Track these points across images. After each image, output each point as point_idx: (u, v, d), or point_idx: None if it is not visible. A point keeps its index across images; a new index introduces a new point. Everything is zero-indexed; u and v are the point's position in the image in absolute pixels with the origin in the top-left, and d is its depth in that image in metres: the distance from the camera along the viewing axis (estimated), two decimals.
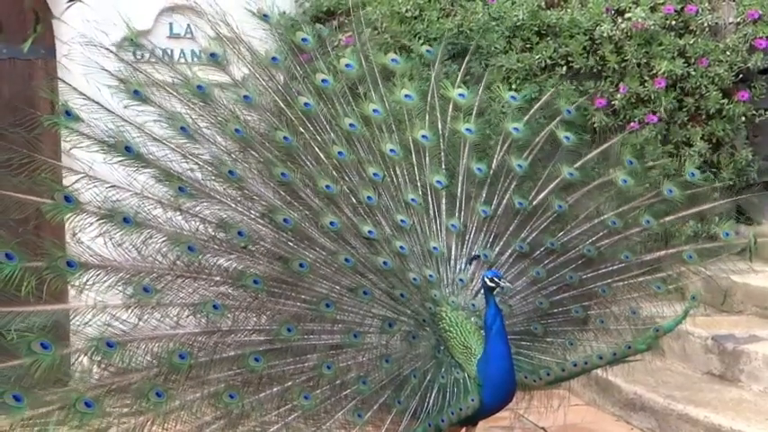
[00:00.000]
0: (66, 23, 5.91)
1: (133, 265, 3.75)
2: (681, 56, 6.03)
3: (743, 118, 6.09)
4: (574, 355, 4.26)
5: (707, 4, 6.32)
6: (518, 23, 6.09)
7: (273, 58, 4.36)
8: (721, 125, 6.04)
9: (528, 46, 6.11)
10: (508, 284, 3.88)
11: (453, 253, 4.24)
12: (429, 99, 4.45)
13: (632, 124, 5.97)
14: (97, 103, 3.96)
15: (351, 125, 4.24)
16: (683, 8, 6.22)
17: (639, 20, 6.04)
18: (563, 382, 4.40)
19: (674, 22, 6.18)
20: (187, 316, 3.79)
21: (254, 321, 3.91)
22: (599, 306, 4.41)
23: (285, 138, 4.14)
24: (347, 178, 4.18)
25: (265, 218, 4.03)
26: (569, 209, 4.39)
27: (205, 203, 3.98)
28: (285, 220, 3.98)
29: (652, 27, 6.08)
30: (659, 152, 5.92)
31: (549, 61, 6.08)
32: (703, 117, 6.09)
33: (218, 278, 3.88)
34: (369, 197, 4.14)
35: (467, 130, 4.40)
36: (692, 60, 6.05)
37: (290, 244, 4.00)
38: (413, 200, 4.20)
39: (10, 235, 3.57)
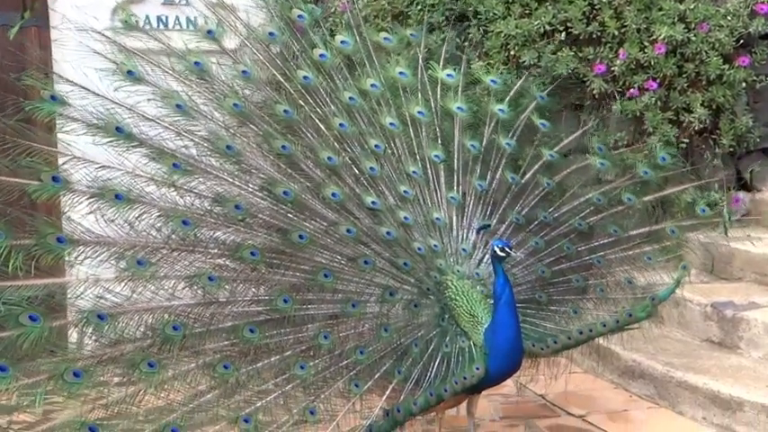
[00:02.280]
0: None
1: (126, 239, 3.78)
2: (681, 21, 5.98)
3: (743, 84, 6.05)
4: (578, 323, 4.32)
5: None
6: None
7: (271, 33, 4.41)
8: (721, 91, 5.99)
9: (527, 12, 6.08)
10: (519, 254, 3.95)
11: (455, 224, 4.30)
12: (420, 77, 4.54)
13: (632, 91, 5.95)
14: (86, 89, 3.96)
15: (350, 98, 4.32)
16: None
17: None
18: (567, 350, 4.47)
19: None
20: (183, 288, 3.82)
21: (253, 292, 3.93)
22: (596, 276, 4.49)
23: (285, 111, 4.20)
24: (349, 149, 4.23)
25: (264, 191, 4.06)
26: (557, 186, 4.52)
27: (200, 179, 4.01)
28: (285, 192, 4.02)
29: None
30: (659, 118, 5.93)
31: (547, 27, 6.04)
32: (703, 83, 6.04)
33: (215, 251, 3.91)
34: (371, 168, 4.20)
35: (458, 108, 4.51)
36: (693, 26, 5.99)
37: (290, 216, 4.03)
38: (414, 172, 4.27)
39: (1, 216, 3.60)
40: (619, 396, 5.18)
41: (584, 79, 6.04)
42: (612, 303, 4.48)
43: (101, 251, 3.75)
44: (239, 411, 3.71)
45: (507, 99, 4.67)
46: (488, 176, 4.42)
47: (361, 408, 3.87)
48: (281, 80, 4.33)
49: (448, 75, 4.62)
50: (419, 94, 4.50)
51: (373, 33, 4.67)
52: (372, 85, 4.40)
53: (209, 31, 4.37)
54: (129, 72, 4.09)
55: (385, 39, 4.64)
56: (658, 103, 5.95)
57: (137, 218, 3.84)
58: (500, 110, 4.59)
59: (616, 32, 5.98)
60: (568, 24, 6.05)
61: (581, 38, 6.08)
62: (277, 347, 3.88)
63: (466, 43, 6.10)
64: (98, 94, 3.97)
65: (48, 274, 3.63)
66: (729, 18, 6.07)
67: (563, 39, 6.05)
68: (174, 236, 3.87)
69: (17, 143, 3.68)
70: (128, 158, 3.92)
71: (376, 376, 3.90)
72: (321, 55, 4.39)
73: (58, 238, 3.67)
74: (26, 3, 5.63)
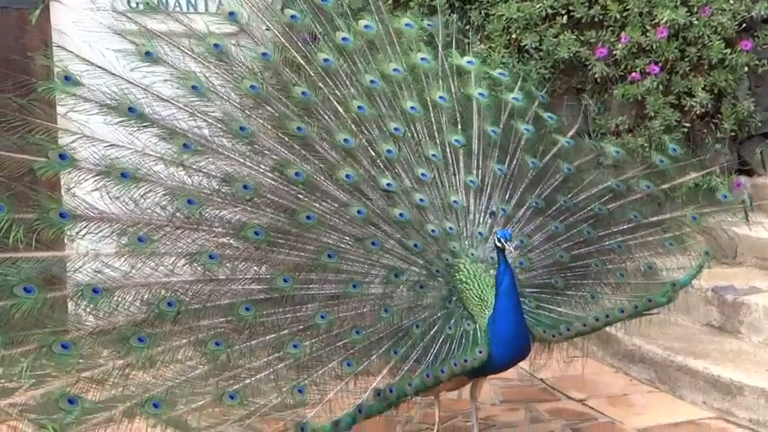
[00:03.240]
0: None
1: (130, 217, 3.81)
2: (683, 5, 5.99)
3: (745, 68, 6.06)
4: (595, 308, 4.30)
5: None
6: None
7: (293, 16, 4.40)
8: (723, 75, 6.00)
9: None
10: (514, 250, 3.92)
11: (472, 207, 4.31)
12: (441, 63, 4.55)
13: (633, 75, 5.94)
14: (101, 67, 3.96)
15: (372, 81, 4.33)
16: None
17: None
18: (581, 337, 4.43)
19: None
20: (183, 265, 3.84)
21: (254, 271, 3.95)
22: (616, 261, 4.47)
23: (303, 93, 4.21)
24: (366, 132, 4.25)
25: (275, 172, 4.08)
26: (577, 172, 4.52)
27: (210, 159, 4.03)
28: (297, 173, 4.04)
29: None
30: (660, 103, 5.92)
31: (549, 10, 6.04)
32: (705, 67, 6.05)
33: (219, 229, 3.93)
34: (389, 150, 4.21)
35: (480, 94, 4.51)
36: (695, 9, 6.01)
37: (300, 197, 4.05)
38: (433, 155, 4.29)
39: (3, 190, 3.63)
40: (619, 380, 5.20)
41: (586, 63, 6.03)
42: (631, 289, 4.45)
43: (103, 227, 3.78)
44: (226, 388, 3.72)
45: (516, 88, 4.69)
46: (507, 161, 4.42)
47: (356, 388, 3.85)
48: (302, 62, 4.32)
49: (468, 61, 4.64)
50: (440, 80, 4.50)
51: (395, 20, 4.65)
52: (395, 70, 4.41)
53: (231, 14, 4.37)
54: (148, 53, 4.09)
55: (406, 24, 4.63)
56: (660, 87, 5.95)
57: (142, 196, 3.86)
58: (514, 98, 4.60)
59: (618, 16, 5.98)
60: (570, 7, 6.04)
61: (583, 21, 6.08)
62: (273, 326, 3.90)
63: (468, 26, 6.09)
64: (114, 74, 3.98)
65: (48, 247, 3.67)
66: (732, 2, 6.11)
67: (564, 22, 6.05)
68: (178, 214, 3.88)
69: (26, 121, 3.69)
70: (138, 138, 3.93)
71: (372, 357, 3.90)
72: (344, 38, 4.40)
73: (60, 213, 3.69)
74: None
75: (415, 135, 4.34)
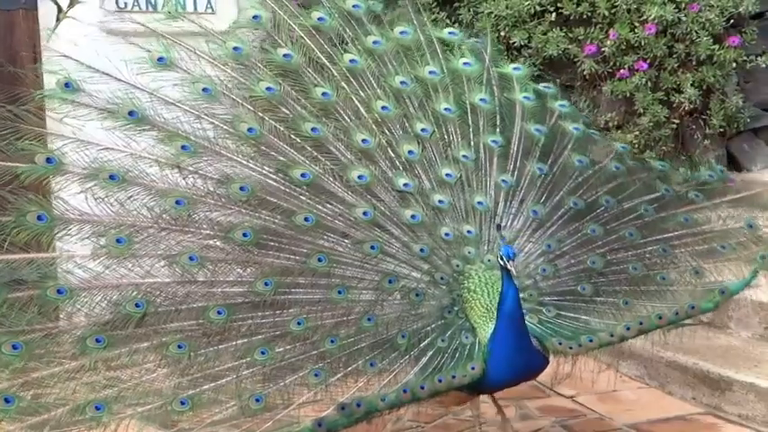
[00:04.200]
0: None
1: (114, 218, 3.80)
2: (671, 1, 5.98)
3: (733, 64, 6.05)
4: (627, 316, 4.12)
5: None
6: None
7: (320, 18, 4.41)
8: (712, 71, 5.99)
9: None
10: (514, 270, 3.74)
11: (501, 210, 4.24)
12: (485, 68, 4.55)
13: (622, 71, 5.96)
14: (107, 74, 3.98)
15: (402, 82, 4.31)
16: None
17: None
18: (608, 348, 4.28)
19: None
20: (162, 266, 3.82)
21: (238, 273, 3.93)
22: (657, 267, 4.32)
23: (324, 93, 4.21)
24: (388, 132, 4.22)
25: (279, 173, 4.05)
26: (626, 171, 4.44)
27: (209, 160, 4.01)
28: (303, 174, 4.01)
29: None
30: (649, 99, 5.94)
31: (538, 8, 6.06)
32: (693, 63, 6.05)
33: (207, 231, 3.90)
34: (410, 151, 4.17)
35: (525, 98, 4.50)
36: (683, 5, 5.99)
37: (303, 198, 4.01)
38: (464, 156, 4.24)
39: None
40: (608, 376, 5.18)
41: (575, 60, 6.05)
42: (672, 295, 4.27)
43: (84, 228, 3.79)
44: (179, 393, 3.70)
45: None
46: (550, 160, 4.36)
47: (326, 398, 3.80)
48: (326, 62, 4.31)
49: (515, 68, 4.63)
50: (483, 84, 4.49)
51: (437, 30, 4.68)
52: (431, 72, 4.39)
53: (255, 16, 4.40)
54: (160, 59, 4.09)
55: (450, 33, 4.68)
56: (649, 83, 5.96)
57: (129, 198, 3.85)
58: (561, 105, 4.59)
59: (606, 13, 5.98)
60: (559, 4, 6.06)
61: (571, 18, 6.09)
62: (247, 331, 3.86)
63: (456, 24, 6.10)
64: (119, 80, 3.99)
65: (22, 249, 3.67)
66: None
67: (553, 19, 6.06)
68: (165, 215, 3.86)
69: (17, 128, 3.71)
70: (135, 141, 3.94)
71: (349, 368, 3.83)
72: (375, 41, 4.40)
73: (38, 216, 3.70)
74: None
75: (446, 136, 4.30)
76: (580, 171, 4.35)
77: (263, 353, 3.77)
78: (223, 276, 3.88)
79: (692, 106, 6.01)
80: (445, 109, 4.31)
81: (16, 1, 6.14)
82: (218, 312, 3.77)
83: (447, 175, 4.17)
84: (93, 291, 3.74)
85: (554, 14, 6.04)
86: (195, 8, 6.30)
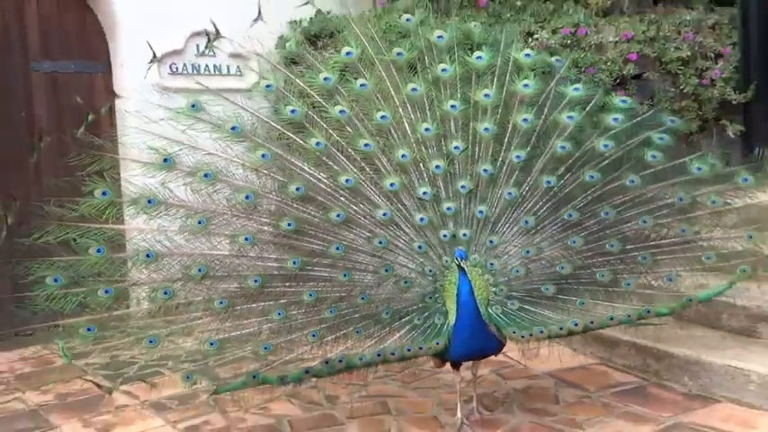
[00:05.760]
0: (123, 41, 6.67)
1: (201, 205, 4.15)
2: (575, 66, 6.64)
3: None
4: (583, 314, 4.15)
5: (594, 28, 7.08)
6: None
7: (399, 53, 4.46)
8: None
9: None
10: (466, 267, 3.92)
11: (502, 219, 4.28)
12: (547, 90, 4.47)
13: None
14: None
15: (452, 106, 4.33)
16: (576, 31, 7.00)
17: (544, 39, 6.86)
18: (560, 338, 4.36)
19: (569, 41, 6.93)
20: (226, 243, 4.16)
21: (277, 252, 4.21)
22: (627, 272, 4.29)
23: (383, 116, 4.32)
24: (425, 149, 4.29)
25: (330, 179, 4.24)
26: (641, 182, 4.33)
27: (278, 165, 4.27)
28: (347, 180, 4.18)
29: (553, 45, 6.81)
30: None
31: None
32: None
33: (265, 219, 4.22)
34: (437, 166, 4.25)
35: (569, 117, 4.41)
36: (583, 69, 6.71)
37: (342, 199, 4.20)
38: (485, 170, 4.24)
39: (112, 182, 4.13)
40: (575, 360, 5.56)
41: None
42: (637, 298, 4.27)
43: (180, 211, 4.15)
44: (211, 336, 4.01)
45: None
46: (560, 174, 4.29)
47: (321, 353, 4.08)
48: (391, 91, 4.37)
49: (575, 89, 4.51)
50: (533, 106, 4.39)
51: (515, 51, 4.52)
52: (485, 95, 4.34)
53: (348, 53, 4.47)
54: (268, 85, 4.51)
55: (526, 55, 4.55)
56: None
57: (215, 191, 4.16)
58: (614, 119, 4.46)
59: None
60: None
61: None
62: (273, 296, 4.09)
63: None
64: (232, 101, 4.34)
65: (119, 222, 4.12)
66: (609, 63, 6.91)
67: None
68: (237, 205, 4.16)
69: (97, 155, 4.10)
70: (231, 148, 4.29)
71: (340, 333, 4.06)
72: (443, 69, 4.39)
73: (148, 200, 4.10)
74: (88, 113, 5.81)
75: (476, 153, 4.30)
76: (591, 184, 4.31)
77: (279, 314, 4.05)
78: (266, 254, 4.17)
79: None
80: (485, 129, 4.29)
81: (95, 67, 7.12)
82: (255, 280, 4.06)
83: (462, 186, 4.23)
84: (174, 257, 4.08)
85: None
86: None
